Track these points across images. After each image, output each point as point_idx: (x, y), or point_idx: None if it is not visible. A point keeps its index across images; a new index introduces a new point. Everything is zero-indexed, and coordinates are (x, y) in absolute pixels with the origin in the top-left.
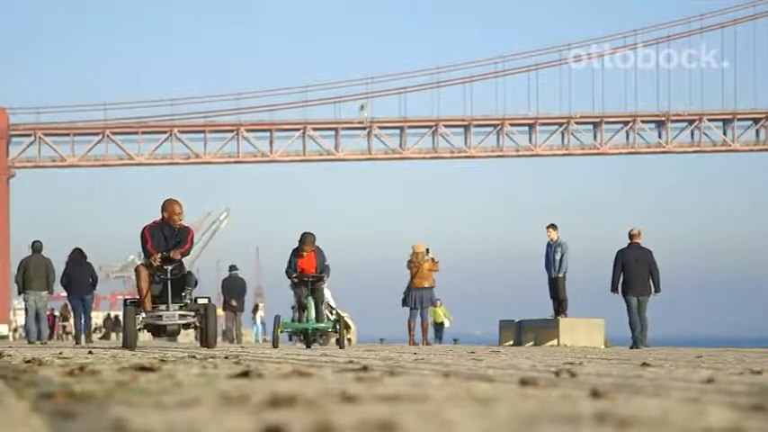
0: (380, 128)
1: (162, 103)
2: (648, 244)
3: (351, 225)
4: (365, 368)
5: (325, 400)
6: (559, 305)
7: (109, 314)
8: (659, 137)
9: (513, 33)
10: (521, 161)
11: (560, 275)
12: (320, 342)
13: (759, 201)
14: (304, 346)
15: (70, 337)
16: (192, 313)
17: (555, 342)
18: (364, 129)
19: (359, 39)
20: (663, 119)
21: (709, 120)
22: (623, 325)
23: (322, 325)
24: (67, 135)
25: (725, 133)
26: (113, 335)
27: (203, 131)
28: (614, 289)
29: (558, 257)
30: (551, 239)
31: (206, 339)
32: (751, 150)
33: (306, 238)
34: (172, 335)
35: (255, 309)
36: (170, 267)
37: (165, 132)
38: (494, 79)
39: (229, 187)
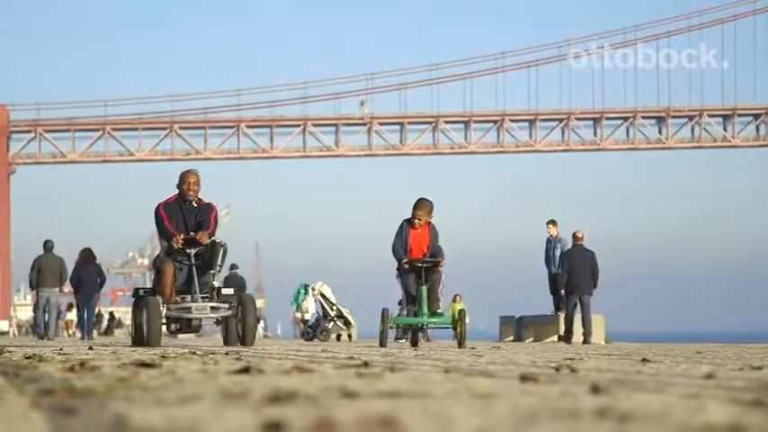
0: (381, 124)
1: (162, 99)
2: (649, 240)
3: (351, 221)
4: (366, 364)
5: (325, 396)
6: (559, 301)
7: (100, 311)
8: (659, 133)
9: (514, 29)
10: (521, 157)
11: (560, 271)
12: (321, 338)
13: (760, 196)
14: (409, 345)
15: (67, 333)
16: (227, 305)
17: (555, 338)
18: (364, 125)
19: (359, 35)
20: (663, 115)
21: (710, 115)
22: (623, 321)
23: (439, 319)
24: (68, 131)
25: (725, 129)
26: (100, 332)
27: (203, 128)
28: (566, 290)
29: (557, 253)
30: (551, 235)
31: (244, 335)
32: (751, 146)
33: (421, 203)
34: (196, 331)
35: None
36: (193, 251)
37: (166, 128)
38: (494, 75)
39: (229, 183)
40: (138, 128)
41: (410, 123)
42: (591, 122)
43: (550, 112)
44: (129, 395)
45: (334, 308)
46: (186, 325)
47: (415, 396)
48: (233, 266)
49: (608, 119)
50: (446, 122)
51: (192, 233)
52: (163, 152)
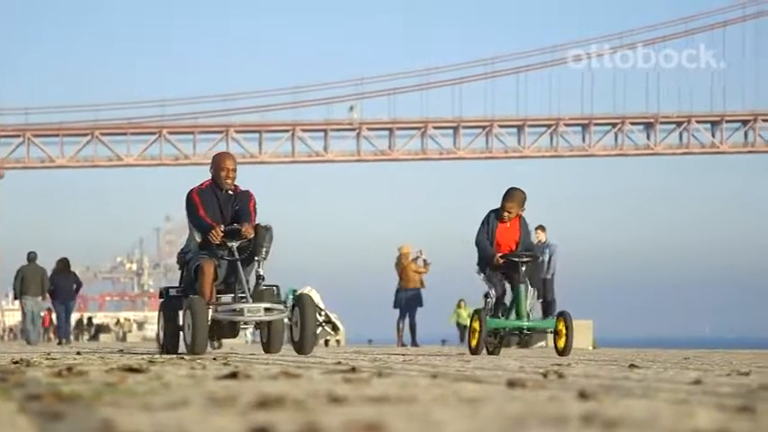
0: (370, 129)
1: (151, 103)
2: (637, 246)
3: (340, 226)
4: (353, 369)
5: (313, 401)
6: (548, 306)
7: (81, 317)
8: (648, 139)
9: (503, 35)
10: (509, 163)
11: (548, 276)
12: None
13: (747, 202)
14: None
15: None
16: (282, 306)
17: (543, 344)
18: (353, 130)
19: (349, 40)
20: (651, 121)
21: (698, 122)
22: (612, 326)
23: (541, 323)
24: (56, 136)
25: (713, 135)
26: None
27: (192, 132)
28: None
29: (546, 259)
30: (540, 241)
31: (302, 341)
32: (739, 152)
33: (513, 194)
34: (235, 336)
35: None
36: (236, 244)
37: (155, 133)
38: (483, 81)
39: None
40: (126, 133)
41: (399, 129)
42: (579, 128)
43: (539, 118)
44: (116, 400)
45: (323, 313)
46: (230, 329)
47: (403, 401)
48: None
49: (596, 125)
50: (435, 128)
51: (235, 224)
52: (151, 157)
